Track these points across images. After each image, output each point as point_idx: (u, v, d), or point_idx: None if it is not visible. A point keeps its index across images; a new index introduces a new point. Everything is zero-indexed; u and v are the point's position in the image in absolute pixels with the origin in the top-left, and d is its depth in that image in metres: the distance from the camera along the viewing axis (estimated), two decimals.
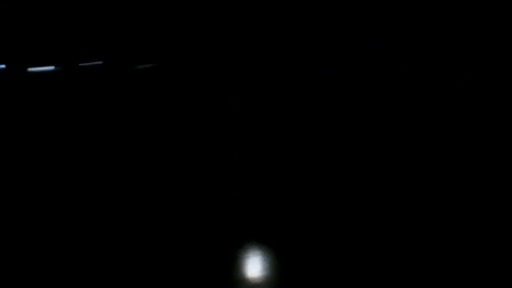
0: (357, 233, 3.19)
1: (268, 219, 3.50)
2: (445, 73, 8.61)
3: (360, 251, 2.94)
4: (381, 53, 12.06)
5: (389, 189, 3.90)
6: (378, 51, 12.43)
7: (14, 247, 3.30)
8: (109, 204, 3.98)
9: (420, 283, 2.56)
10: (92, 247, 3.22)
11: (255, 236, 3.23)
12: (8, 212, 3.94)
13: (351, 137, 5.46)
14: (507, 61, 9.42)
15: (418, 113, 6.28)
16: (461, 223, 3.23)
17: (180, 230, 3.39)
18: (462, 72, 8.63)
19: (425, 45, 12.94)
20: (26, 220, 3.76)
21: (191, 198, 3.98)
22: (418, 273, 2.66)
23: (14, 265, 3.04)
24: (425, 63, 10.04)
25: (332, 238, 3.14)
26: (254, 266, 2.84)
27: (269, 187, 4.12)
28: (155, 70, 11.96)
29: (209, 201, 3.89)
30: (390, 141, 5.20)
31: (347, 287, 2.55)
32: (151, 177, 4.57)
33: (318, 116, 6.53)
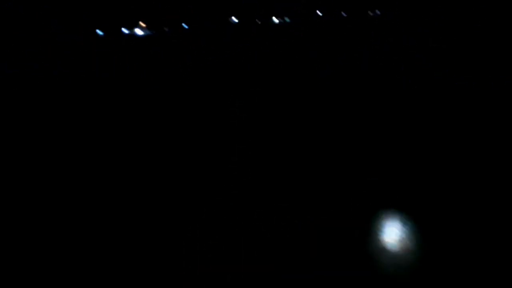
0: (354, 231, 3.19)
1: (268, 218, 3.50)
2: (445, 73, 8.61)
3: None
4: (381, 53, 12.06)
5: (389, 187, 3.90)
6: (378, 51, 12.43)
7: (14, 247, 3.30)
8: (110, 203, 3.97)
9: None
10: (92, 246, 3.22)
11: (254, 236, 3.22)
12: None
13: (351, 137, 5.46)
14: (507, 61, 9.41)
15: (418, 112, 6.27)
16: (459, 220, 3.23)
17: (179, 230, 3.39)
18: (462, 72, 8.63)
19: (425, 45, 12.94)
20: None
21: (191, 198, 3.97)
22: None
23: (14, 265, 3.03)
24: (425, 63, 10.04)
25: (333, 238, 3.14)
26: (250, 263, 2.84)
27: (268, 186, 4.12)
28: (155, 71, 11.95)
29: (209, 201, 3.88)
30: (390, 140, 5.19)
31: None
32: (152, 177, 4.57)
33: (318, 116, 6.53)
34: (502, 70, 8.78)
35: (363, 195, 3.83)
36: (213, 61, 13.02)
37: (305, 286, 2.62)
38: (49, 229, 3.54)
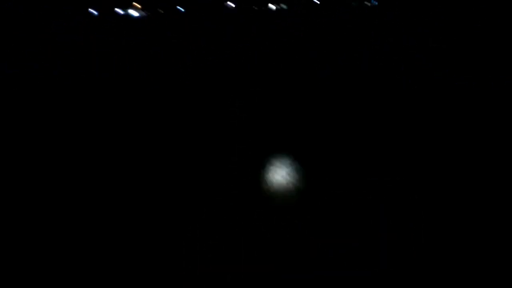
0: (352, 233, 3.19)
1: (267, 218, 3.50)
2: (445, 73, 8.61)
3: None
4: (381, 53, 12.06)
5: (388, 188, 3.90)
6: (378, 51, 12.43)
7: (14, 247, 3.30)
8: (110, 203, 3.98)
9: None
10: (92, 246, 3.22)
11: (254, 236, 3.23)
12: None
13: (351, 137, 5.46)
14: (507, 61, 9.42)
15: (418, 112, 6.28)
16: (459, 222, 3.23)
17: (180, 230, 3.39)
18: (462, 72, 8.63)
19: (425, 45, 12.94)
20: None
21: (191, 198, 3.97)
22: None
23: (14, 265, 3.03)
24: (425, 63, 10.04)
25: (327, 240, 3.15)
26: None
27: (268, 186, 4.12)
28: (156, 71, 11.96)
29: (209, 201, 3.88)
30: (390, 140, 5.20)
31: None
32: (151, 177, 4.57)
33: (318, 116, 6.53)
34: (502, 70, 8.78)
35: (364, 195, 3.83)
36: (213, 61, 13.02)
37: (305, 286, 2.62)
38: (49, 229, 3.54)
